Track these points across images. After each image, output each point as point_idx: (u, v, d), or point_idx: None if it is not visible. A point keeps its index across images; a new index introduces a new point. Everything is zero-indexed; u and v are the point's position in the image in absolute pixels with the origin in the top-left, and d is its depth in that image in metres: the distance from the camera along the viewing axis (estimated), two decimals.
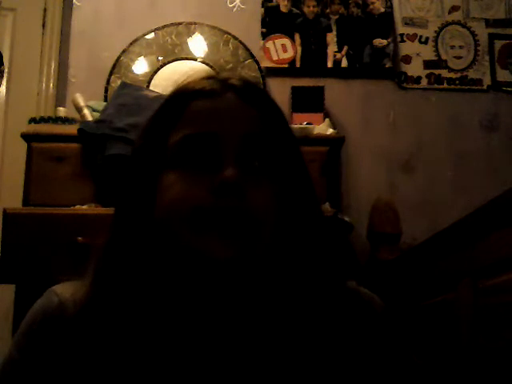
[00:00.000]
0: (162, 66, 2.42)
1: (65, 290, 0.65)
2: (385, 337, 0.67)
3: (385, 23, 2.47)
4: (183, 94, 0.67)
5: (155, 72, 2.41)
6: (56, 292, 0.65)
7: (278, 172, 0.65)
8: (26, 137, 2.04)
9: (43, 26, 2.48)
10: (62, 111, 2.19)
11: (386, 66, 2.44)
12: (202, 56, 2.43)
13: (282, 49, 2.45)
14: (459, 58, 2.49)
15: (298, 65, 2.44)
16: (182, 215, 0.60)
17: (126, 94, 2.07)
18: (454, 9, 2.52)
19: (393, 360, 0.67)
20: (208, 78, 0.69)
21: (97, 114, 2.08)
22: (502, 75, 2.47)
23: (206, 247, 0.59)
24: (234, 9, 2.51)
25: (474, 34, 2.51)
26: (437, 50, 2.49)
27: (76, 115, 2.12)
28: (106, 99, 2.33)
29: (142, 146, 0.67)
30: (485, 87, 2.46)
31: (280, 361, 0.61)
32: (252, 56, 2.44)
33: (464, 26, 2.51)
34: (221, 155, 0.62)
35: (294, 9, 2.47)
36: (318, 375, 0.61)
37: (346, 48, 2.44)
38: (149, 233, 0.63)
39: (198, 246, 0.59)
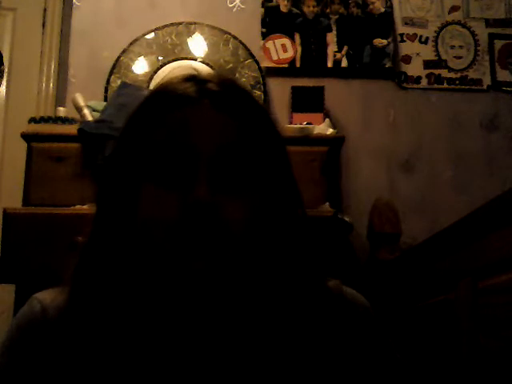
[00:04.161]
0: (161, 66, 2.42)
1: (46, 297, 0.66)
2: (367, 335, 0.67)
3: (385, 23, 2.47)
4: (159, 101, 0.65)
5: (155, 72, 2.41)
6: (38, 299, 0.66)
7: (259, 181, 0.63)
8: (25, 137, 2.04)
9: (43, 25, 2.48)
10: (61, 111, 2.19)
11: (386, 66, 2.44)
12: (202, 56, 2.43)
13: (282, 49, 2.45)
14: (459, 57, 2.49)
15: (298, 65, 2.44)
16: (154, 232, 0.60)
17: (126, 94, 2.07)
18: (453, 9, 2.52)
19: (375, 358, 0.67)
20: (187, 79, 0.66)
21: (97, 114, 2.08)
22: (502, 75, 2.47)
23: (178, 262, 0.59)
24: (234, 9, 2.51)
25: (474, 34, 2.51)
26: (437, 50, 2.49)
27: (76, 115, 2.12)
28: (105, 99, 2.33)
29: (119, 153, 0.66)
30: (485, 87, 2.46)
31: (263, 360, 0.61)
32: (252, 56, 2.44)
33: (464, 25, 2.51)
34: (194, 170, 0.60)
35: (294, 9, 2.47)
36: (301, 375, 0.61)
37: (345, 48, 2.44)
38: (129, 238, 0.63)
39: (171, 261, 0.60)
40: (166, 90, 0.66)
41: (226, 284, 0.62)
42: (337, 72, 2.44)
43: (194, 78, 0.66)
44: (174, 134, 0.62)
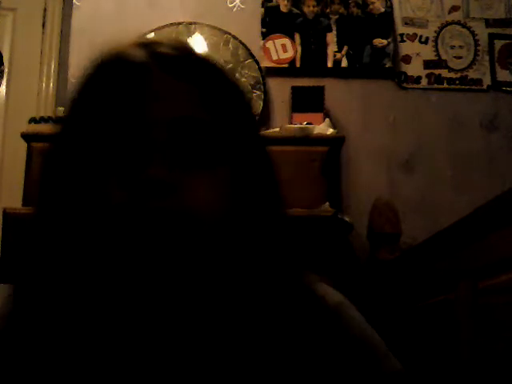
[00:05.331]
0: None
1: None
2: (334, 334, 0.57)
3: (385, 23, 2.47)
4: (104, 72, 0.55)
5: None
6: None
7: (230, 157, 0.55)
8: (25, 137, 2.04)
9: (43, 25, 2.48)
10: (61, 111, 2.19)
11: (386, 66, 2.44)
12: None
13: (282, 49, 2.45)
14: (459, 57, 2.49)
15: (298, 65, 2.44)
16: (106, 223, 0.51)
17: None
18: (453, 9, 2.52)
19: (341, 359, 0.57)
20: (135, 44, 0.57)
21: None
22: (502, 75, 2.47)
23: (133, 255, 0.51)
24: (234, 9, 2.51)
25: (474, 34, 2.51)
26: (437, 50, 2.49)
27: None
28: None
29: (64, 139, 0.56)
30: (485, 87, 2.46)
31: (222, 357, 0.54)
32: (252, 56, 2.44)
33: (464, 25, 2.51)
34: (147, 147, 0.51)
35: (294, 9, 2.47)
36: (257, 373, 0.54)
37: (345, 48, 2.44)
38: (82, 233, 0.53)
39: (126, 254, 0.51)
40: (112, 59, 0.56)
41: (183, 276, 0.53)
42: (337, 72, 2.44)
43: (143, 43, 0.57)
44: (122, 106, 0.53)
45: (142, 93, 0.53)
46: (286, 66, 2.44)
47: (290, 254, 0.59)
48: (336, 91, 2.39)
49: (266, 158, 0.60)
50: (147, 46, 0.56)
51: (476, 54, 2.49)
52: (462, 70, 2.48)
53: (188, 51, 0.57)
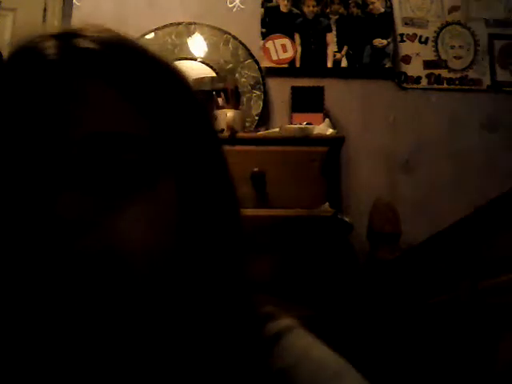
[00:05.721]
0: None
1: None
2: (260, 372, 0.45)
3: (385, 23, 2.47)
4: (8, 71, 0.43)
5: None
6: None
7: (172, 175, 0.44)
8: None
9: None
10: None
11: (386, 66, 2.44)
12: (202, 56, 2.43)
13: (282, 49, 2.45)
14: (459, 58, 2.49)
15: (297, 65, 2.44)
16: (9, 268, 0.39)
17: None
18: (453, 9, 2.52)
19: None
20: (50, 36, 0.44)
21: None
22: (502, 75, 2.47)
23: (44, 318, 0.39)
24: (234, 9, 2.51)
25: (473, 34, 2.51)
26: (437, 50, 2.49)
27: None
28: None
29: None
30: (485, 87, 2.46)
31: None
32: (252, 56, 2.44)
33: (464, 26, 2.51)
34: (53, 175, 0.39)
35: (293, 9, 2.47)
36: None
37: (345, 48, 2.44)
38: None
39: (34, 316, 0.39)
40: (15, 54, 0.44)
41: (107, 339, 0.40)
42: (337, 72, 2.44)
43: (58, 34, 0.45)
44: (21, 119, 0.40)
45: (49, 100, 0.40)
46: (286, 66, 2.44)
47: (247, 291, 0.47)
48: (336, 91, 2.39)
49: (224, 170, 0.48)
50: (62, 37, 0.44)
51: (476, 54, 2.49)
52: (461, 70, 2.48)
53: (116, 44, 0.45)
